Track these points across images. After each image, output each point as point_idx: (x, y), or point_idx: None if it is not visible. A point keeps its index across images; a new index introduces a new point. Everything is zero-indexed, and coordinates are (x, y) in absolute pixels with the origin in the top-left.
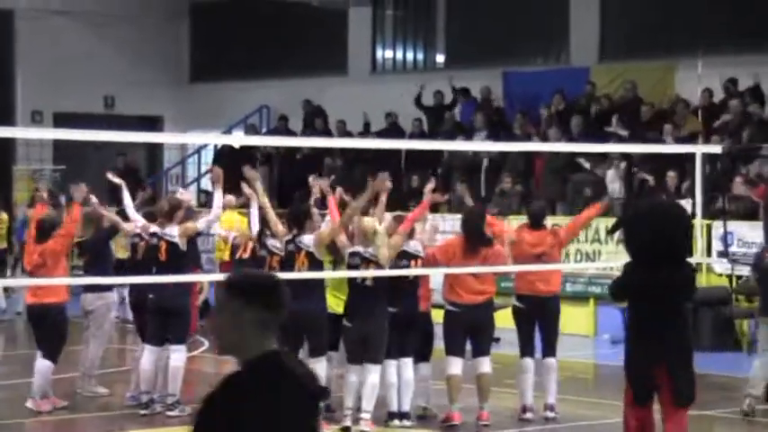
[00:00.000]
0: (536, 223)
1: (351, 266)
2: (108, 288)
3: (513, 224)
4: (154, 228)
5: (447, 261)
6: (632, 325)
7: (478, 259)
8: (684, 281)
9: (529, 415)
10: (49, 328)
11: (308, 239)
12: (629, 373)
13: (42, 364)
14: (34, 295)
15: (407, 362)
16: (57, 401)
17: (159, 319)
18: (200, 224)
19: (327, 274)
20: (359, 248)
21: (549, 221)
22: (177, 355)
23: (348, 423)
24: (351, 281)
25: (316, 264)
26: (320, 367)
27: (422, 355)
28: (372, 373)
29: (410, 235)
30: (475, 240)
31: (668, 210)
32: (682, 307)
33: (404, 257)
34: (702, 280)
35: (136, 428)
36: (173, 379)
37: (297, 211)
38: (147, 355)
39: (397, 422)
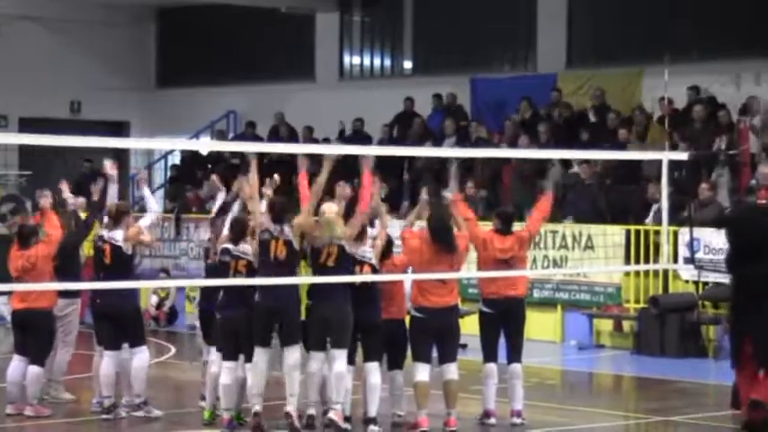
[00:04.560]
0: (505, 228)
1: (314, 250)
2: (77, 293)
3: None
4: (102, 231)
5: (418, 266)
6: (732, 305)
7: (446, 264)
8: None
9: (492, 420)
10: (39, 333)
11: (285, 228)
12: (730, 343)
13: (33, 371)
14: (23, 301)
15: (372, 366)
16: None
17: (109, 323)
18: (143, 227)
19: (324, 279)
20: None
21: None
22: (140, 356)
23: (312, 412)
24: (313, 264)
25: (293, 251)
26: (293, 356)
27: (396, 363)
28: (338, 360)
29: (361, 238)
30: (444, 246)
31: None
32: None
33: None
34: (669, 286)
35: None
36: (137, 380)
37: (278, 204)
38: (107, 360)
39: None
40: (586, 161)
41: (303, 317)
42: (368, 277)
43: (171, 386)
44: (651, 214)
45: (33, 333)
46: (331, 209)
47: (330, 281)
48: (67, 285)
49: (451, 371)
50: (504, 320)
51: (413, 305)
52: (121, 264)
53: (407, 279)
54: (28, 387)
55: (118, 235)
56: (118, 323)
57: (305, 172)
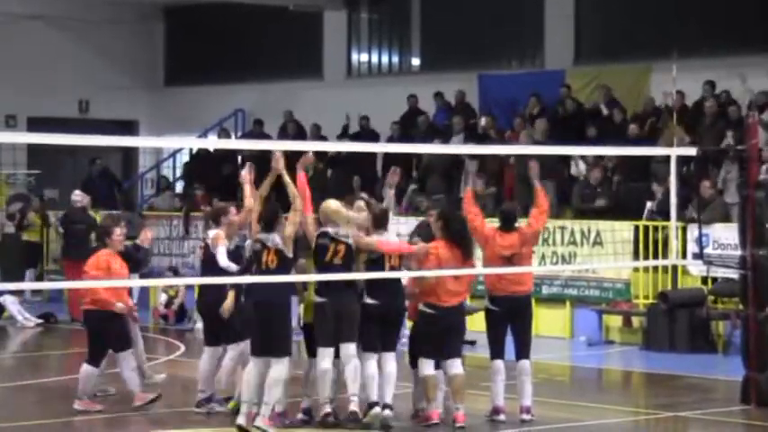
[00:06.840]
0: (507, 225)
1: (319, 246)
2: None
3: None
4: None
5: (434, 266)
6: None
7: (460, 262)
8: None
9: (501, 416)
10: (111, 333)
11: (275, 237)
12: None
13: (86, 369)
14: (93, 302)
15: (389, 355)
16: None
17: (209, 321)
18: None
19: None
20: (327, 228)
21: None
22: (204, 357)
23: (328, 409)
24: (318, 261)
25: (284, 259)
26: (278, 369)
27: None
28: (350, 354)
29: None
30: (462, 247)
31: None
32: None
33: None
34: (678, 282)
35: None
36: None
37: (268, 212)
38: (203, 357)
39: (377, 410)
40: (595, 163)
41: (311, 315)
42: (372, 275)
43: (180, 384)
44: (645, 212)
45: (105, 333)
46: (334, 203)
47: (335, 278)
48: (58, 285)
49: (457, 365)
50: (511, 317)
51: (424, 302)
52: (210, 263)
53: (429, 275)
54: (128, 383)
55: (211, 234)
56: (211, 321)
57: (303, 173)
